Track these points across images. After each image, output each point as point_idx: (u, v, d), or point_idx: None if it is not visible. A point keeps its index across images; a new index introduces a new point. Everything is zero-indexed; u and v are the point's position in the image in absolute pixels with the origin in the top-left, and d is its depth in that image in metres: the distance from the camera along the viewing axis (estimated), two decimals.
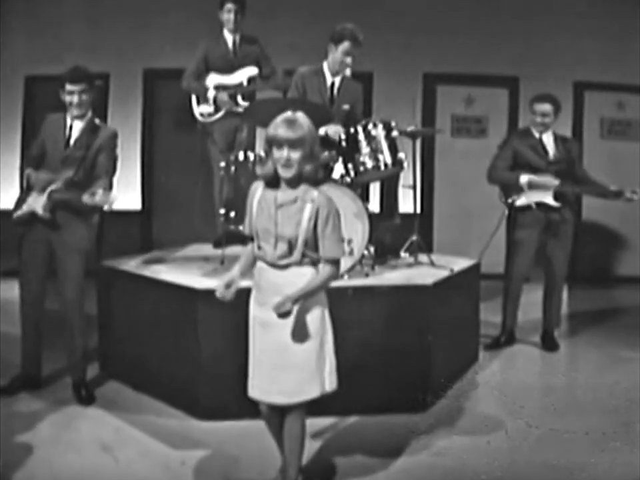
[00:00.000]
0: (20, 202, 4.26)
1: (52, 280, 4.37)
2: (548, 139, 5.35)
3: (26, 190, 4.25)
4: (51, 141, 4.27)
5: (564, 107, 7.88)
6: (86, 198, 3.93)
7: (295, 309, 2.93)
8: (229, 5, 5.51)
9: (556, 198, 5.21)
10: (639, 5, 7.73)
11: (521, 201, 5.25)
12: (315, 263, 3.01)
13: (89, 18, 7.93)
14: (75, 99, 4.17)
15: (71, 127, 4.25)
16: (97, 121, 4.33)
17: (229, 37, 5.58)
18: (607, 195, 5.36)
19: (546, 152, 5.31)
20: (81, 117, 4.24)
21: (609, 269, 8.23)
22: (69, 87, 4.16)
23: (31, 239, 4.29)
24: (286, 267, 2.98)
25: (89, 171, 4.20)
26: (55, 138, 4.26)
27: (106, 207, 3.96)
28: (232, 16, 5.51)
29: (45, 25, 7.92)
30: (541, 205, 5.24)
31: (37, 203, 4.14)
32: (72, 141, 4.23)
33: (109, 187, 4.22)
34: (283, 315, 2.88)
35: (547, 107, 5.28)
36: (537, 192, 5.21)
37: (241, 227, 4.51)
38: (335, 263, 3.01)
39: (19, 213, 4.22)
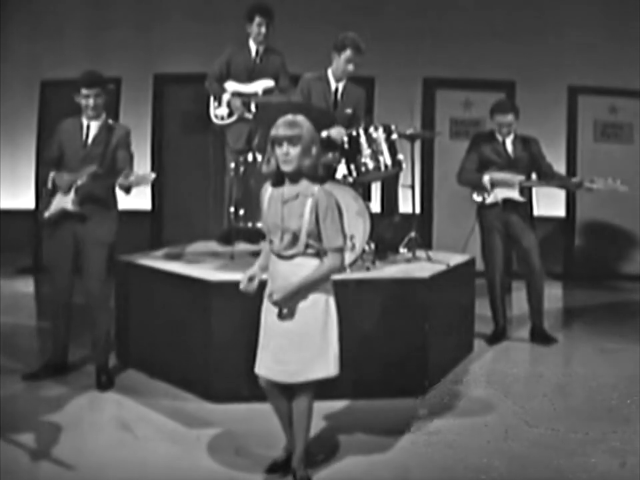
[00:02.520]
0: (46, 203, 4.52)
1: (77, 275, 4.65)
2: (510, 141, 5.58)
3: (51, 191, 4.50)
4: (69, 142, 4.54)
5: (558, 110, 8.21)
6: (121, 180, 4.24)
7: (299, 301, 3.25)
8: (258, 19, 5.69)
9: (521, 193, 5.45)
10: (632, 12, 7.99)
11: (489, 199, 5.51)
12: (318, 254, 3.28)
13: (101, 23, 8.17)
14: (91, 102, 4.46)
15: (88, 127, 4.53)
16: (110, 120, 4.62)
17: (253, 47, 5.79)
18: (569, 186, 5.64)
19: (507, 153, 5.55)
20: (96, 117, 4.53)
21: (604, 266, 8.45)
22: (84, 91, 4.45)
23: (58, 235, 4.54)
24: (291, 257, 3.27)
25: (110, 166, 4.47)
26: (72, 139, 4.53)
27: (148, 184, 4.29)
28: (262, 29, 5.71)
29: (58, 29, 8.18)
30: (502, 203, 5.47)
31: (65, 201, 4.41)
32: (90, 140, 4.51)
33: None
34: (277, 304, 3.23)
35: (509, 118, 5.51)
36: (503, 189, 5.46)
37: (249, 224, 4.83)
38: (337, 251, 3.26)
39: (47, 213, 4.49)
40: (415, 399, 4.44)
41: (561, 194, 8.06)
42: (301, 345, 3.26)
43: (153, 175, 4.26)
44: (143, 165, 8.23)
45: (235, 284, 4.30)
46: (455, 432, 3.99)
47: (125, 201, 8.15)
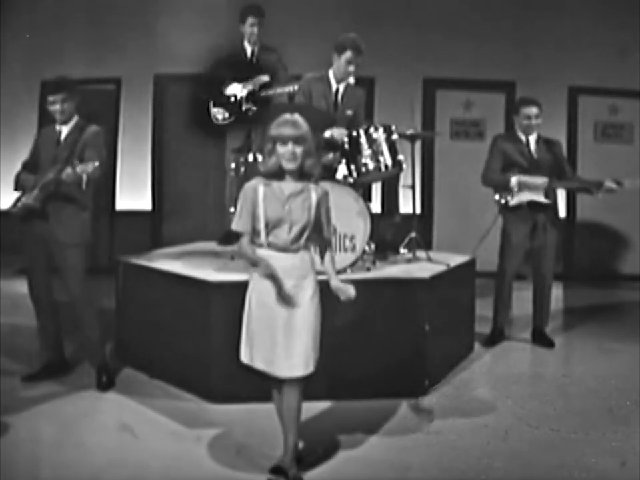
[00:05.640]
0: (16, 201, 4.54)
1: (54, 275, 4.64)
2: (533, 141, 5.53)
3: (21, 192, 4.54)
4: (43, 147, 4.57)
5: (559, 111, 8.22)
6: (67, 172, 4.22)
7: (311, 283, 3.38)
8: (251, 19, 5.77)
9: (546, 196, 5.43)
10: (632, 12, 8.00)
11: (513, 200, 5.45)
12: (316, 248, 3.47)
13: (101, 23, 8.18)
14: (58, 107, 4.49)
15: (60, 132, 4.55)
16: (83, 121, 4.60)
17: (248, 48, 5.85)
18: (591, 189, 5.51)
19: (531, 154, 5.50)
20: (67, 121, 4.55)
21: (604, 266, 8.47)
22: (50, 97, 4.49)
23: (30, 236, 4.57)
24: (296, 250, 3.35)
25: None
26: (46, 144, 4.57)
27: (85, 177, 4.19)
28: (255, 29, 5.79)
29: (58, 29, 8.17)
30: (529, 205, 5.42)
31: (30, 196, 4.42)
32: (61, 142, 4.52)
33: (100, 170, 4.35)
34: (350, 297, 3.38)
35: (534, 110, 5.47)
36: (529, 192, 5.42)
37: None
38: (330, 243, 3.53)
39: (14, 209, 4.50)
40: (415, 399, 4.45)
41: (561, 194, 8.07)
42: (306, 338, 3.33)
43: (96, 163, 4.21)
44: (143, 164, 8.29)
45: (235, 284, 4.36)
46: (455, 432, 4.00)
47: (125, 201, 8.29)
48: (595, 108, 8.29)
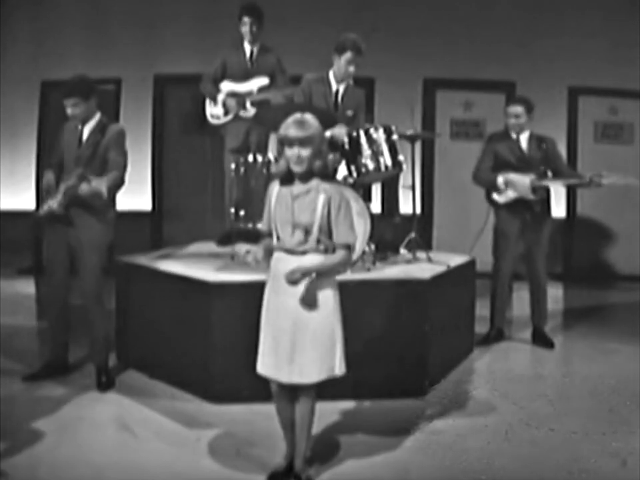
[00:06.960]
0: (42, 203, 4.55)
1: (73, 276, 4.66)
2: (524, 139, 5.54)
3: (47, 192, 4.54)
4: (67, 146, 4.58)
5: (559, 111, 8.23)
6: (82, 187, 4.27)
7: (305, 281, 3.20)
8: (246, 18, 5.82)
9: (534, 192, 5.40)
10: (632, 12, 8.01)
11: (502, 199, 5.48)
12: (327, 251, 3.26)
13: (101, 23, 8.20)
14: (69, 111, 4.49)
15: (81, 131, 4.54)
16: (105, 120, 4.59)
17: (247, 48, 5.89)
18: (582, 183, 5.49)
19: (522, 152, 5.51)
20: (87, 120, 4.54)
21: (603, 266, 8.47)
22: (64, 101, 4.49)
23: (52, 238, 4.60)
24: (302, 253, 3.24)
25: (100, 168, 4.44)
26: (69, 142, 4.57)
27: (104, 190, 4.23)
28: (248, 28, 5.82)
29: (58, 29, 8.20)
30: (518, 202, 5.44)
31: (54, 202, 4.41)
32: (83, 142, 4.52)
33: (121, 180, 4.49)
34: (293, 282, 3.17)
35: (518, 109, 5.48)
36: (516, 189, 5.42)
37: (249, 225, 4.85)
38: (348, 248, 3.27)
39: (40, 211, 4.50)
40: (415, 400, 4.45)
41: (561, 194, 8.08)
42: (313, 343, 3.24)
43: (103, 188, 4.24)
44: (143, 165, 8.29)
45: (235, 285, 4.38)
46: (455, 432, 4.00)
47: (125, 201, 8.26)
48: (595, 108, 8.29)
